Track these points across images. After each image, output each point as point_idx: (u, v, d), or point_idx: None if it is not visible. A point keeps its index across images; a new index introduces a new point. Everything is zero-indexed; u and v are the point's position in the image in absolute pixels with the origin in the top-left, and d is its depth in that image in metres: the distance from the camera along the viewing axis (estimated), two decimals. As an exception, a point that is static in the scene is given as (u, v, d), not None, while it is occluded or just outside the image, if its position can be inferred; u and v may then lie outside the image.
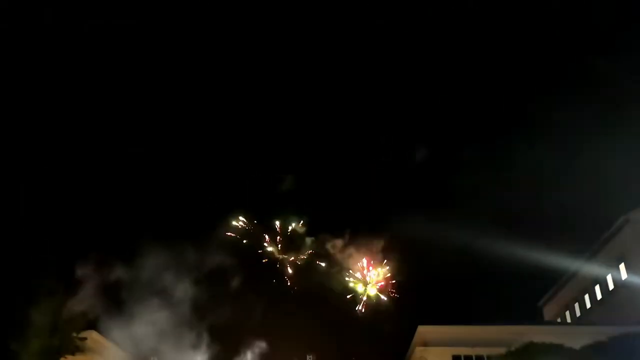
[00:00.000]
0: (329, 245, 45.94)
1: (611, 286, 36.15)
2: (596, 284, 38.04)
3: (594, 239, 37.95)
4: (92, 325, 29.79)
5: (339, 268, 47.00)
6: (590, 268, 38.46)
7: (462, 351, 31.25)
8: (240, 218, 44.69)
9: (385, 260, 45.77)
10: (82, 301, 27.40)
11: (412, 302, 51.82)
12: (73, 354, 27.17)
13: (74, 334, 27.04)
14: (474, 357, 31.02)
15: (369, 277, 46.01)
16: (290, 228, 48.80)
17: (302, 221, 48.00)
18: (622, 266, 34.61)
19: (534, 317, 45.91)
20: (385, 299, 45.06)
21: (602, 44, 54.29)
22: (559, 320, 43.85)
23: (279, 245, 50.13)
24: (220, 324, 33.11)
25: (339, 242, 45.94)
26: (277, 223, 49.69)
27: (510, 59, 56.45)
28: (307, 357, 37.17)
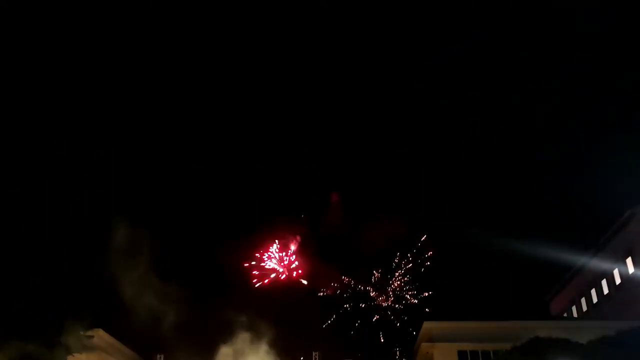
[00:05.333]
0: None
1: (618, 280, 35.96)
2: (603, 279, 37.85)
3: (600, 234, 37.75)
4: (100, 323, 29.95)
5: None
6: (596, 262, 38.27)
7: (468, 347, 31.17)
8: None
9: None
10: (91, 300, 27.52)
11: (419, 298, 51.91)
12: (80, 352, 27.28)
13: (82, 332, 27.15)
14: (479, 353, 30.92)
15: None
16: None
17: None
18: (629, 260, 34.41)
19: (540, 312, 45.78)
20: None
21: (606, 40, 54.02)
22: (565, 315, 43.70)
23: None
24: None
25: None
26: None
27: (517, 54, 56.32)
28: (313, 354, 37.24)
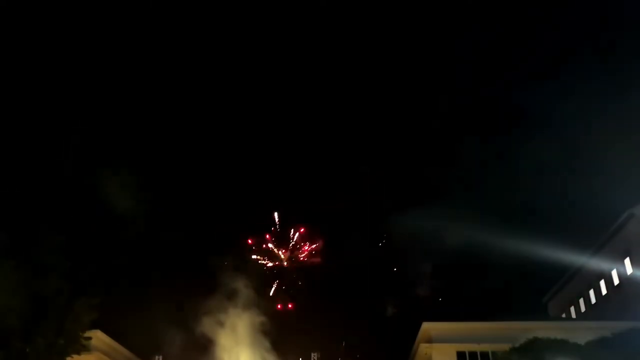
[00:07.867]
0: None
1: (616, 281, 35.99)
2: (601, 279, 37.89)
3: (599, 234, 37.76)
4: (98, 324, 29.91)
5: None
6: (595, 263, 38.29)
7: (467, 347, 31.15)
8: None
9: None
10: (88, 300, 27.51)
11: (417, 298, 52.05)
12: (79, 353, 27.25)
13: (80, 333, 27.12)
14: (478, 354, 30.90)
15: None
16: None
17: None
18: (627, 261, 34.43)
19: (539, 313, 45.80)
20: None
21: (603, 35, 54.17)
22: (563, 315, 43.75)
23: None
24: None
25: None
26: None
27: (510, 51, 56.40)
28: (312, 355, 37.22)
